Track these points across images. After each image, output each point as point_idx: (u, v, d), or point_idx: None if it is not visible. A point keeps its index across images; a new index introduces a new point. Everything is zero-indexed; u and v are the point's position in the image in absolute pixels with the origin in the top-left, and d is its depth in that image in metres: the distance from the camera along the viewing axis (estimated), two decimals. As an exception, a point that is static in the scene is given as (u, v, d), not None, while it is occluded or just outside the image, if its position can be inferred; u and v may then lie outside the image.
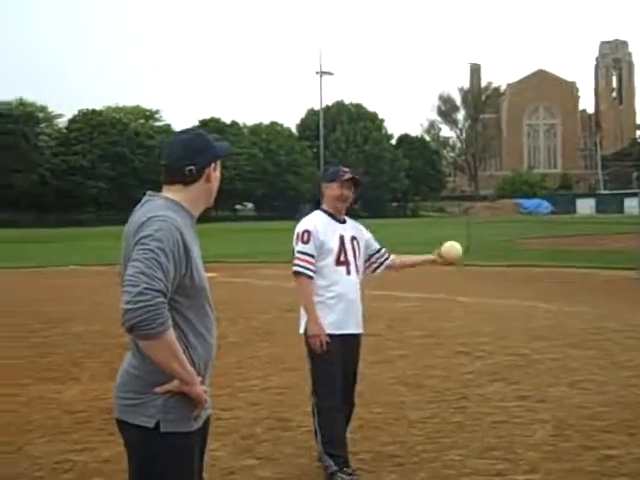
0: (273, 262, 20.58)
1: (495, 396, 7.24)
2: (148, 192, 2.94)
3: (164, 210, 2.77)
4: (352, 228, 5.30)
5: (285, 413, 6.72)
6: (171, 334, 2.63)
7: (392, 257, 5.52)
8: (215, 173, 3.01)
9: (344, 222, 5.25)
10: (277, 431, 6.22)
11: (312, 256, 5.03)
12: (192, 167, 2.88)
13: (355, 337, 5.20)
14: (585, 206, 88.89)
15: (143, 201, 2.89)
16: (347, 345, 5.11)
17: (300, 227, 5.12)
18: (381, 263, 5.47)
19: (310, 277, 5.02)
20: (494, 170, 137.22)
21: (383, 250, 5.51)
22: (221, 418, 6.53)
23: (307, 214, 5.32)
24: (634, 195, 33.28)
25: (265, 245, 30.69)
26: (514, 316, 12.22)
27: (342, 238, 5.13)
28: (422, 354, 9.23)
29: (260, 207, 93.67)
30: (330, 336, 4.98)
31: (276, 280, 17.26)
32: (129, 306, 2.56)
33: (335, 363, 5.01)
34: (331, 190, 5.15)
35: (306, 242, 5.04)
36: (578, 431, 6.08)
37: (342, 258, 5.09)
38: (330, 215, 5.18)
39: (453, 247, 5.34)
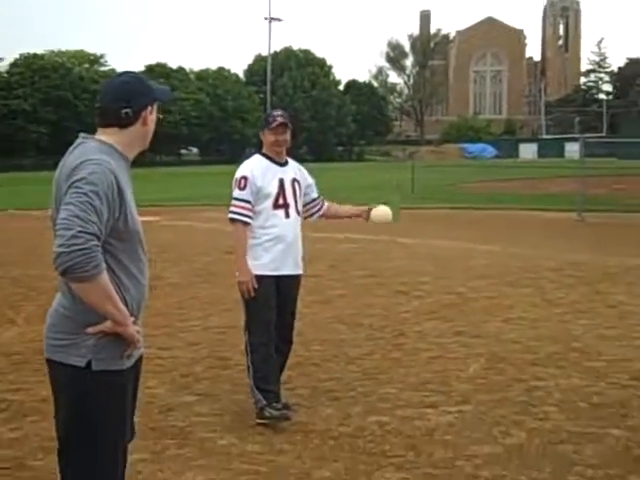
0: (217, 205, 20.43)
1: (432, 333, 7.38)
2: (81, 134, 2.87)
3: (97, 153, 2.71)
4: (294, 170, 5.28)
5: (225, 352, 6.76)
6: (104, 276, 2.61)
7: (326, 205, 5.53)
8: (152, 116, 2.95)
9: (285, 164, 5.23)
10: (216, 369, 6.26)
11: (248, 202, 5.03)
12: (128, 110, 2.82)
13: (293, 278, 5.20)
14: (528, 151, 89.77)
15: (76, 144, 2.81)
16: (284, 286, 5.13)
17: (238, 173, 5.12)
18: (315, 211, 5.50)
19: (245, 223, 5.03)
20: (440, 115, 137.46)
21: (320, 199, 5.52)
22: (161, 357, 6.56)
23: (247, 158, 5.30)
24: (575, 140, 33.74)
25: (209, 189, 30.43)
26: (454, 257, 12.41)
27: (282, 181, 5.12)
28: (362, 294, 9.34)
29: (205, 152, 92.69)
30: (265, 277, 5.01)
31: (219, 223, 17.10)
32: (62, 249, 2.52)
33: (268, 303, 5.04)
34: (266, 137, 5.15)
35: (242, 188, 5.05)
36: (510, 364, 6.25)
37: (281, 201, 5.09)
38: (269, 159, 5.16)
39: (384, 215, 5.36)
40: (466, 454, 4.42)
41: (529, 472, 4.16)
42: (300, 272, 5.28)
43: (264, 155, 5.21)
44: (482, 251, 13.03)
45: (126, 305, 2.75)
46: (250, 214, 5.04)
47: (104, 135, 2.84)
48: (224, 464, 4.31)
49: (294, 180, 5.21)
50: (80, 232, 2.53)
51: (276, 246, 5.07)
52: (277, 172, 5.13)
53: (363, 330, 7.52)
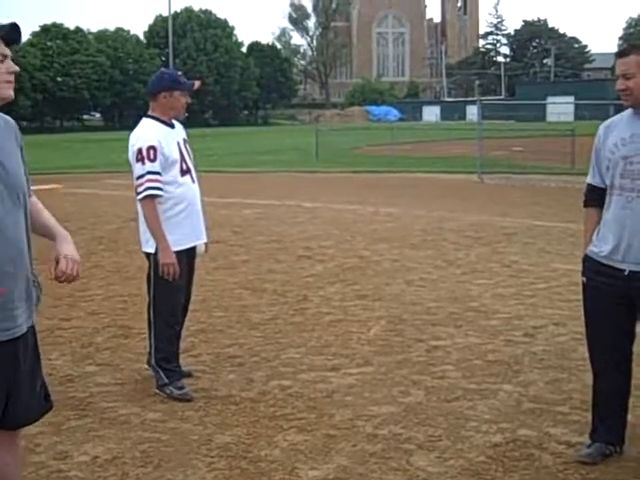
0: (119, 172, 20.09)
1: (335, 296, 7.47)
2: None
3: None
4: (181, 131, 5.02)
5: (127, 321, 6.70)
6: None
7: None
8: None
9: (173, 126, 4.94)
10: (118, 339, 6.21)
11: (159, 174, 4.69)
12: None
13: (200, 246, 5.04)
14: (431, 113, 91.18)
15: None
16: (191, 257, 4.99)
17: (142, 142, 4.69)
18: None
19: (159, 196, 4.71)
20: (345, 78, 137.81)
21: None
22: (62, 328, 6.48)
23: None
24: (475, 102, 34.37)
25: (111, 156, 29.82)
26: (357, 220, 12.55)
27: (179, 145, 4.86)
28: (265, 259, 9.37)
29: (108, 117, 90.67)
30: (181, 252, 4.79)
31: (121, 190, 16.90)
32: None
33: (181, 283, 4.84)
34: (174, 98, 4.79)
35: (153, 160, 4.66)
36: (410, 325, 6.41)
37: (184, 166, 4.83)
38: (163, 122, 4.84)
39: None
40: (366, 414, 4.52)
41: (425, 429, 4.29)
42: (206, 240, 5.12)
43: (156, 119, 4.85)
44: (385, 214, 13.21)
45: None
46: (161, 185, 4.71)
47: None
48: (125, 433, 4.30)
49: (185, 141, 4.97)
50: None
51: (188, 217, 4.83)
52: (173, 135, 4.85)
53: (266, 295, 7.56)
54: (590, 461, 3.84)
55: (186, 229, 4.83)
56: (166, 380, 4.87)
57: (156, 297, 4.87)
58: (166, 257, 4.70)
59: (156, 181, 4.67)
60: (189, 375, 5.10)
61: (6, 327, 2.62)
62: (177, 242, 4.76)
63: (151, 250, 4.81)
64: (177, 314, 4.95)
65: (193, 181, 4.89)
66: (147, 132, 4.78)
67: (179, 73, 4.92)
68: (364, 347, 5.87)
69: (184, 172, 4.82)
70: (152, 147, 4.68)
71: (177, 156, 4.79)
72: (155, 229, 4.73)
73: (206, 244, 5.13)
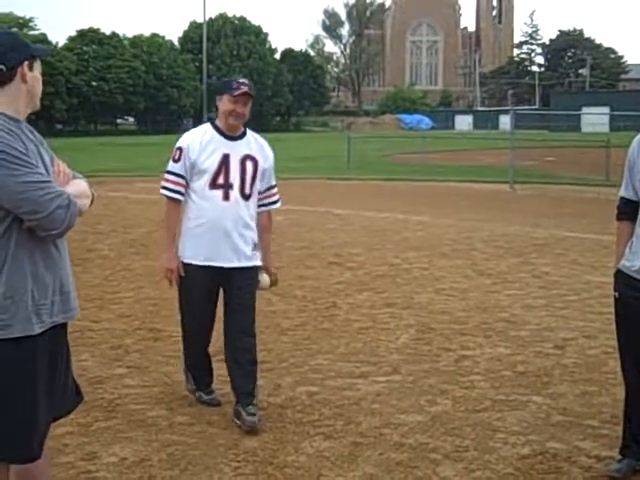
0: (151, 176, 20.21)
1: (364, 304, 7.47)
2: None
3: None
4: (249, 146, 4.57)
5: (156, 324, 6.74)
6: None
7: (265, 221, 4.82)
8: (32, 74, 2.80)
9: (238, 138, 4.55)
10: (147, 341, 6.25)
11: (181, 177, 4.50)
12: (2, 66, 2.73)
13: (235, 271, 4.50)
14: (463, 122, 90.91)
15: None
16: (224, 279, 4.52)
17: (177, 142, 4.60)
18: (262, 205, 4.76)
19: (175, 200, 4.54)
20: (377, 86, 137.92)
21: (272, 191, 4.79)
22: (92, 329, 6.52)
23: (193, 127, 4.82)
24: (508, 112, 34.21)
25: (144, 159, 30.04)
26: (388, 228, 12.53)
27: (226, 157, 4.46)
28: (295, 265, 9.38)
29: (142, 121, 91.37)
30: (191, 266, 4.50)
31: (154, 194, 17.00)
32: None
33: (199, 292, 4.55)
34: (223, 104, 4.47)
35: (176, 160, 4.51)
36: (439, 334, 6.38)
37: (220, 180, 4.43)
38: (218, 130, 4.52)
39: (264, 283, 4.82)
40: (393, 423, 4.51)
41: (452, 439, 4.27)
42: (246, 264, 4.54)
43: (214, 125, 4.57)
44: (415, 222, 13.18)
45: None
46: (182, 190, 4.52)
47: None
48: (152, 436, 4.32)
49: (246, 157, 4.51)
50: None
51: (207, 233, 4.45)
52: (222, 146, 4.48)
53: (296, 301, 7.57)
54: (620, 476, 3.80)
55: (203, 245, 4.48)
56: (193, 386, 4.87)
57: (178, 299, 4.76)
58: (166, 261, 4.61)
59: (172, 182, 4.54)
60: (218, 404, 4.82)
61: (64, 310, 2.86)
62: (190, 255, 4.52)
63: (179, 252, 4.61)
64: (196, 322, 4.69)
65: (226, 198, 4.45)
66: (187, 134, 4.67)
67: (242, 80, 4.52)
68: (392, 355, 5.86)
69: (216, 186, 4.45)
70: (179, 148, 4.54)
71: (211, 167, 4.44)
72: (164, 228, 4.67)
73: (272, 277, 4.89)
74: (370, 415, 4.63)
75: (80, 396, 3.09)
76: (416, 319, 6.87)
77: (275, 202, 4.85)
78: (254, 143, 4.61)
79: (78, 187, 2.85)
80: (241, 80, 4.51)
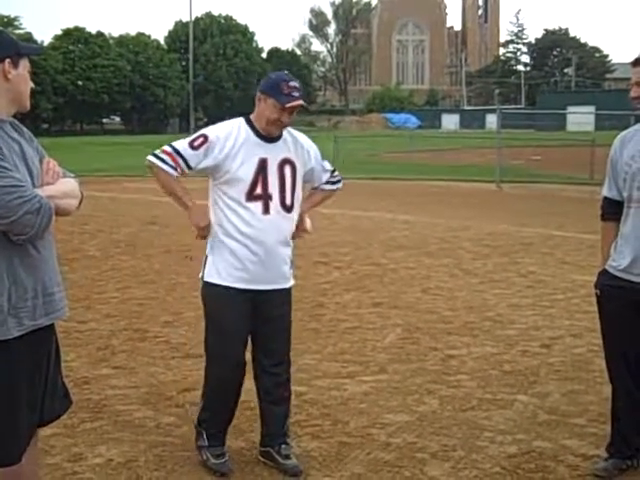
0: (138, 176, 20.15)
1: (351, 304, 7.47)
2: None
3: None
4: (288, 147, 3.90)
5: (143, 324, 6.72)
6: None
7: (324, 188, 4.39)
8: (16, 71, 2.71)
9: (276, 139, 3.85)
10: (134, 342, 6.22)
11: (187, 165, 3.75)
12: None
13: (273, 293, 3.89)
14: (450, 121, 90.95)
15: None
16: (259, 303, 3.86)
17: (204, 129, 3.91)
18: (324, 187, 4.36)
19: (166, 172, 3.77)
20: (364, 85, 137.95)
21: (335, 173, 4.38)
22: (78, 330, 6.49)
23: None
24: (494, 111, 34.32)
25: (130, 159, 29.93)
26: (375, 227, 12.54)
27: (263, 163, 3.78)
28: (282, 265, 9.35)
29: (128, 121, 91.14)
30: (222, 287, 3.80)
31: (141, 193, 16.97)
32: None
33: (234, 321, 3.82)
34: (266, 107, 3.75)
35: (194, 148, 3.75)
36: (426, 334, 6.39)
37: (258, 191, 3.77)
38: (254, 130, 3.82)
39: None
40: (380, 422, 4.51)
41: (440, 438, 4.27)
42: (284, 285, 3.95)
43: (249, 123, 3.86)
44: (402, 222, 13.20)
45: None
46: (179, 172, 3.77)
47: None
48: (139, 437, 4.31)
49: (285, 162, 3.86)
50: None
51: (244, 250, 3.77)
52: (258, 149, 3.79)
53: (283, 301, 7.55)
54: (606, 475, 3.81)
55: (239, 264, 3.80)
56: (205, 442, 3.99)
57: (205, 335, 3.98)
58: (193, 215, 3.86)
59: (169, 155, 3.76)
60: (224, 474, 3.92)
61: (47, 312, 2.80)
62: (223, 276, 3.81)
63: (200, 274, 3.95)
64: (228, 363, 3.86)
65: (266, 211, 3.79)
66: (221, 125, 3.91)
67: (293, 84, 3.77)
68: (379, 355, 5.86)
69: (254, 197, 3.78)
70: (204, 136, 3.79)
71: (247, 174, 3.76)
72: (166, 192, 3.89)
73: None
74: (357, 415, 4.63)
75: (69, 400, 3.05)
76: (403, 319, 6.88)
77: (339, 181, 4.44)
78: (292, 143, 3.93)
79: (66, 186, 2.82)
80: (292, 84, 3.76)
